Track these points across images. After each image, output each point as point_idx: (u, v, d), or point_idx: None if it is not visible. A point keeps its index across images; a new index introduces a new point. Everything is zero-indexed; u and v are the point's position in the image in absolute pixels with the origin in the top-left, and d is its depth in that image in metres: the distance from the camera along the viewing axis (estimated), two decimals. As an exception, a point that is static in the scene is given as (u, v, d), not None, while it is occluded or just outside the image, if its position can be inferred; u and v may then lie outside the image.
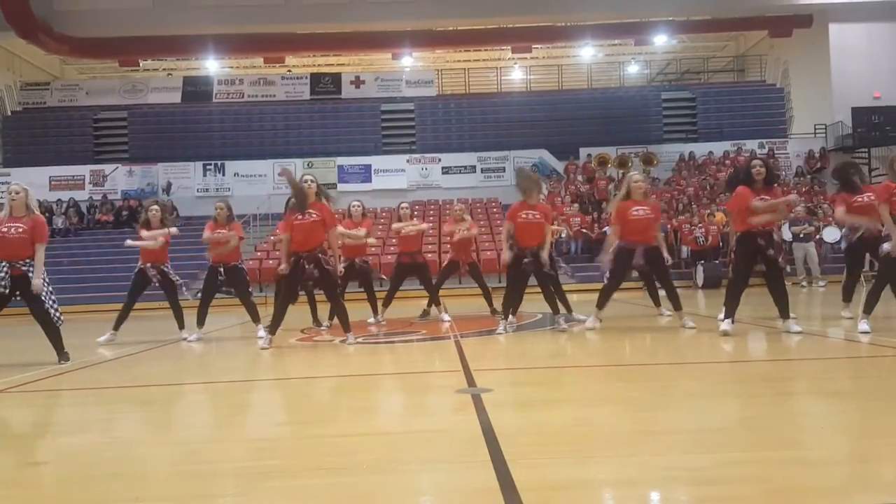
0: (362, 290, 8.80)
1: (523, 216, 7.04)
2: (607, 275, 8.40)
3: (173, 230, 7.89)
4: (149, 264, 7.70)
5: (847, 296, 7.48)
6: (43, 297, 5.91)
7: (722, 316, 7.50)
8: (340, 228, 7.51)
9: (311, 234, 6.61)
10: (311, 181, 6.75)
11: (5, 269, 5.81)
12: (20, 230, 5.88)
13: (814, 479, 2.37)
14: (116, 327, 7.72)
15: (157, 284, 7.77)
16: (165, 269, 7.77)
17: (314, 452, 2.92)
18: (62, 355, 6.01)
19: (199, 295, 7.99)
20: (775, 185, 6.42)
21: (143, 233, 7.80)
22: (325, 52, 27.64)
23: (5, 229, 5.87)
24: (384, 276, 9.40)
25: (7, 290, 5.84)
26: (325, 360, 6.13)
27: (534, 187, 7.20)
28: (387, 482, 2.47)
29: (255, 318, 7.70)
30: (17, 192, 5.99)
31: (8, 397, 4.64)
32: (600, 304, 7.21)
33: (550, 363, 5.48)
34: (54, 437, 3.54)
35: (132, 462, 2.89)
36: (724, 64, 29.07)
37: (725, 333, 6.15)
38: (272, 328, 6.77)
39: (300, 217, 6.59)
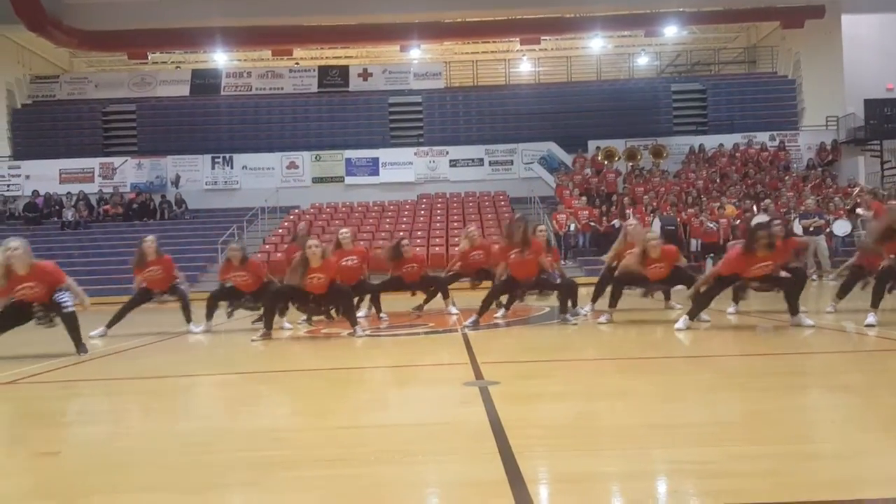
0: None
1: (513, 256, 7.17)
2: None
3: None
4: (156, 291, 7.85)
5: (842, 293, 7.39)
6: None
7: (731, 309, 7.52)
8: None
9: (320, 287, 6.76)
10: (316, 245, 6.75)
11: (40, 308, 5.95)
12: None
13: (823, 473, 2.35)
14: (110, 325, 7.70)
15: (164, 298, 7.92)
16: (174, 286, 7.89)
17: (323, 443, 2.93)
18: (80, 346, 6.00)
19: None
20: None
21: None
22: (333, 45, 27.56)
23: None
24: None
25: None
26: (334, 352, 6.15)
27: (515, 231, 7.21)
28: (395, 473, 2.48)
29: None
30: (17, 249, 5.79)
31: (20, 388, 4.67)
32: (612, 303, 7.23)
33: (558, 356, 5.48)
34: (66, 427, 3.56)
35: (142, 452, 2.90)
36: (734, 55, 28.86)
37: (680, 330, 6.19)
38: (267, 324, 6.82)
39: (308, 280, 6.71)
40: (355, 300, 8.02)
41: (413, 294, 9.06)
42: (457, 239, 9.20)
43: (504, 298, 8.13)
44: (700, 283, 6.62)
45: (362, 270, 8.51)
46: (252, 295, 7.79)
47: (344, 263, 7.95)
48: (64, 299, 5.94)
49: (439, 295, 9.02)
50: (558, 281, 7.34)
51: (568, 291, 7.34)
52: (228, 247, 8.04)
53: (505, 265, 7.30)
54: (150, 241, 7.85)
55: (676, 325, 6.26)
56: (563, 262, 8.69)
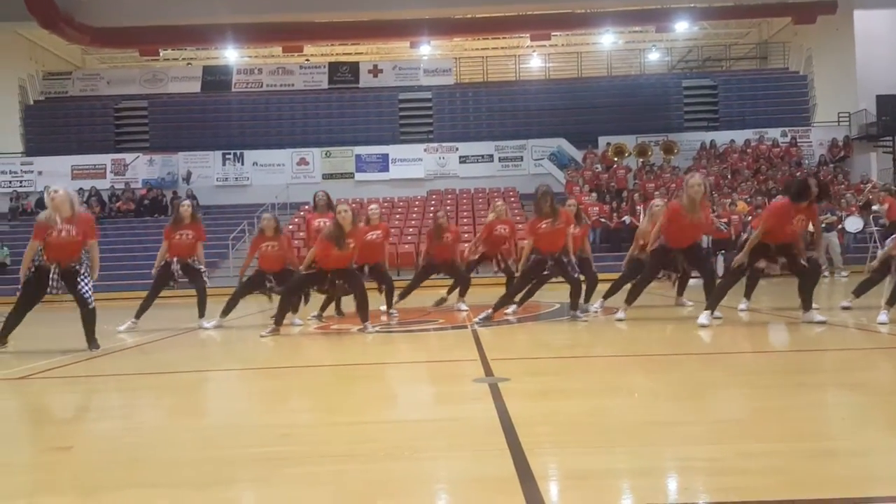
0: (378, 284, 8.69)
1: (544, 226, 7.05)
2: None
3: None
4: (175, 259, 7.81)
5: (860, 290, 7.31)
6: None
7: (743, 306, 7.48)
8: None
9: (345, 258, 6.82)
10: (346, 210, 6.83)
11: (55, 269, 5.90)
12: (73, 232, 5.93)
13: (832, 471, 2.34)
14: (138, 316, 7.81)
15: (181, 275, 7.87)
16: (190, 262, 7.87)
17: (332, 439, 2.94)
18: (92, 342, 6.03)
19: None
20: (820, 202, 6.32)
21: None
22: (343, 41, 27.62)
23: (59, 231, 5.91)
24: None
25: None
26: (343, 348, 6.16)
27: (543, 203, 7.13)
28: (404, 469, 2.48)
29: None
30: (57, 191, 5.99)
31: (31, 383, 4.71)
32: (629, 300, 7.17)
33: (568, 353, 5.47)
34: (77, 423, 3.59)
35: (153, 448, 2.92)
36: (746, 51, 28.71)
37: (704, 326, 6.16)
38: (278, 320, 6.84)
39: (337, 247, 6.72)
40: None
41: (441, 272, 9.08)
42: (466, 235, 9.17)
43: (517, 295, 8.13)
44: (744, 251, 6.43)
45: (384, 248, 8.53)
46: (275, 277, 7.79)
47: (368, 237, 7.98)
48: (87, 294, 5.96)
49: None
50: (576, 275, 7.29)
51: (579, 290, 7.29)
52: (262, 217, 8.13)
53: (531, 244, 7.14)
54: (186, 204, 8.09)
55: (700, 321, 6.22)
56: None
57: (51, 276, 5.89)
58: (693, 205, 6.68)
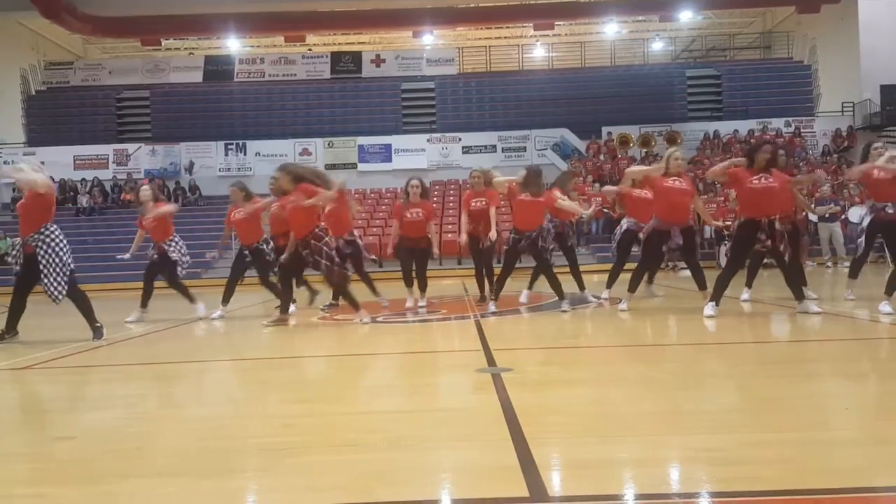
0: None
1: (522, 197, 7.18)
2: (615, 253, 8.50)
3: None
4: (151, 245, 7.91)
5: (852, 273, 7.29)
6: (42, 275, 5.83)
7: (745, 296, 7.48)
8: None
9: (300, 219, 6.71)
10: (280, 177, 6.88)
11: (18, 245, 5.92)
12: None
13: (836, 460, 2.34)
14: (144, 305, 7.84)
15: (156, 260, 7.91)
16: (166, 247, 7.80)
17: (335, 429, 2.95)
18: (95, 331, 6.05)
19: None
20: (775, 169, 6.30)
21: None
22: (346, 30, 27.49)
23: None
24: (374, 257, 9.10)
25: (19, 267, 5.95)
26: (345, 338, 6.17)
27: (531, 183, 7.18)
28: (407, 459, 2.49)
29: (278, 296, 7.76)
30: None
31: (35, 373, 4.72)
32: (632, 287, 7.15)
33: (570, 343, 5.48)
34: (80, 413, 3.60)
35: (156, 437, 2.93)
36: (750, 41, 28.54)
37: (710, 317, 6.16)
38: (283, 308, 6.88)
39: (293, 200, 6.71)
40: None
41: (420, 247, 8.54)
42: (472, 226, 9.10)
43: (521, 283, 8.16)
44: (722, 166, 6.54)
45: (347, 219, 8.26)
46: (252, 254, 7.86)
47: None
48: (50, 289, 5.81)
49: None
50: (550, 248, 7.37)
51: (552, 276, 7.26)
52: (229, 188, 8.27)
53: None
54: (146, 188, 8.16)
55: (706, 313, 6.23)
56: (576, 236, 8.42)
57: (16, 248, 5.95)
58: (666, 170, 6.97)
